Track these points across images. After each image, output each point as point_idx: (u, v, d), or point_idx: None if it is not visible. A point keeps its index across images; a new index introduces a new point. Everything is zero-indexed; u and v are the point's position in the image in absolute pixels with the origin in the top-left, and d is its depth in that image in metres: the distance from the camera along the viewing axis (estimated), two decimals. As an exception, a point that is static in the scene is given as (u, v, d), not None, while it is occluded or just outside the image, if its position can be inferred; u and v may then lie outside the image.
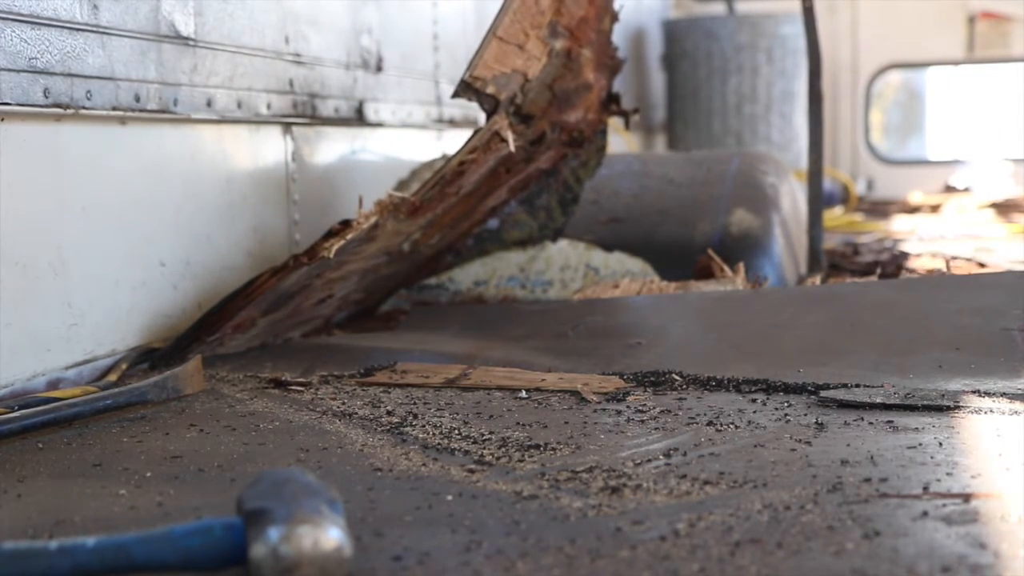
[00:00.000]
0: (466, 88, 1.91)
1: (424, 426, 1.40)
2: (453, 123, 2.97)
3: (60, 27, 1.58)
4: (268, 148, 2.16)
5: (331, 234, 1.79)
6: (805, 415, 1.43)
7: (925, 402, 1.44)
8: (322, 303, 1.99)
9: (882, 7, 5.61)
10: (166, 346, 1.80)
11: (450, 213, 2.03)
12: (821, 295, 2.10)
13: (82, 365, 1.67)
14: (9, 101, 1.48)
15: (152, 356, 1.78)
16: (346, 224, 1.80)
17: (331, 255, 1.76)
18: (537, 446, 1.30)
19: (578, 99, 2.02)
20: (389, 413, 1.48)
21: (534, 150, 2.04)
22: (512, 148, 1.89)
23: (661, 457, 1.24)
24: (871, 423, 1.37)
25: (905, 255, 3.07)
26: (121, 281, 1.76)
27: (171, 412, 1.51)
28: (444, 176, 1.90)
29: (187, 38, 1.86)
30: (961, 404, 1.44)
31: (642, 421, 1.42)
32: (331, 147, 2.41)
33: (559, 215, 2.25)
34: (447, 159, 1.94)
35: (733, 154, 2.84)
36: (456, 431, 1.38)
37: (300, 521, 0.86)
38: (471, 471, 1.21)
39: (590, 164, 2.21)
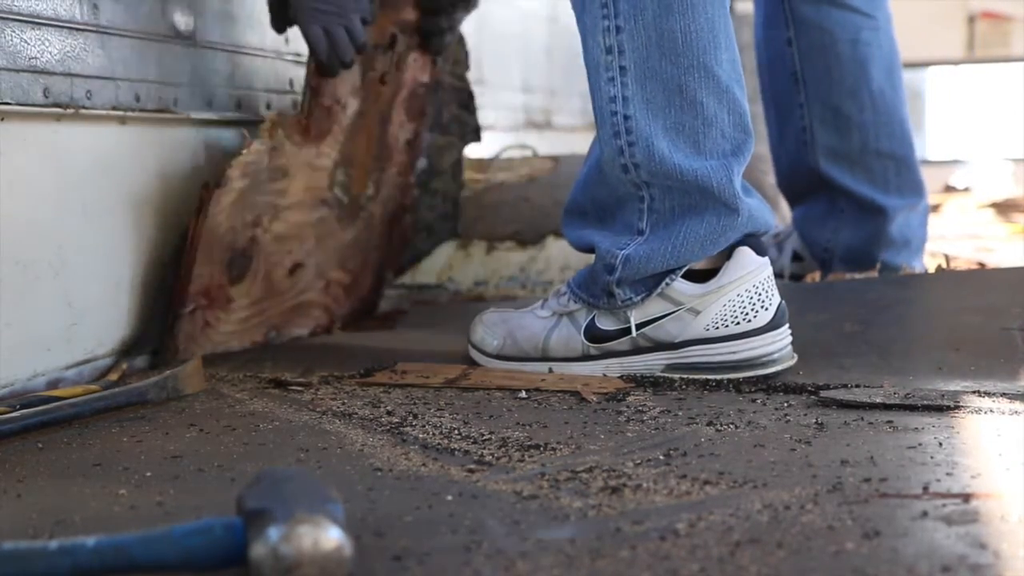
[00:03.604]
0: None
1: (424, 426, 1.40)
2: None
3: (60, 27, 1.58)
4: (268, 148, 2.16)
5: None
6: (805, 415, 1.43)
7: (925, 402, 1.44)
8: (295, 274, 1.99)
9: (882, 7, 5.60)
10: (143, 332, 1.80)
11: (359, 143, 2.02)
12: (820, 293, 2.10)
13: (82, 365, 1.67)
14: (9, 101, 1.49)
15: (137, 348, 1.77)
16: None
17: (233, 170, 1.79)
18: (537, 446, 1.30)
19: None
20: (389, 413, 1.48)
21: (394, 56, 2.04)
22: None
23: (661, 457, 1.25)
24: (871, 423, 1.37)
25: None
26: (121, 281, 1.76)
27: (171, 412, 1.51)
28: (308, 83, 1.91)
29: (187, 38, 1.86)
30: (961, 404, 1.44)
31: (642, 421, 1.42)
32: (331, 147, 2.41)
33: (468, 117, 2.25)
34: (305, 72, 1.94)
35: (733, 154, 2.83)
36: (456, 431, 1.38)
37: (300, 521, 0.86)
38: (471, 471, 1.21)
39: (459, 58, 2.21)
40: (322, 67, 1.89)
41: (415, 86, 2.14)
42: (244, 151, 1.82)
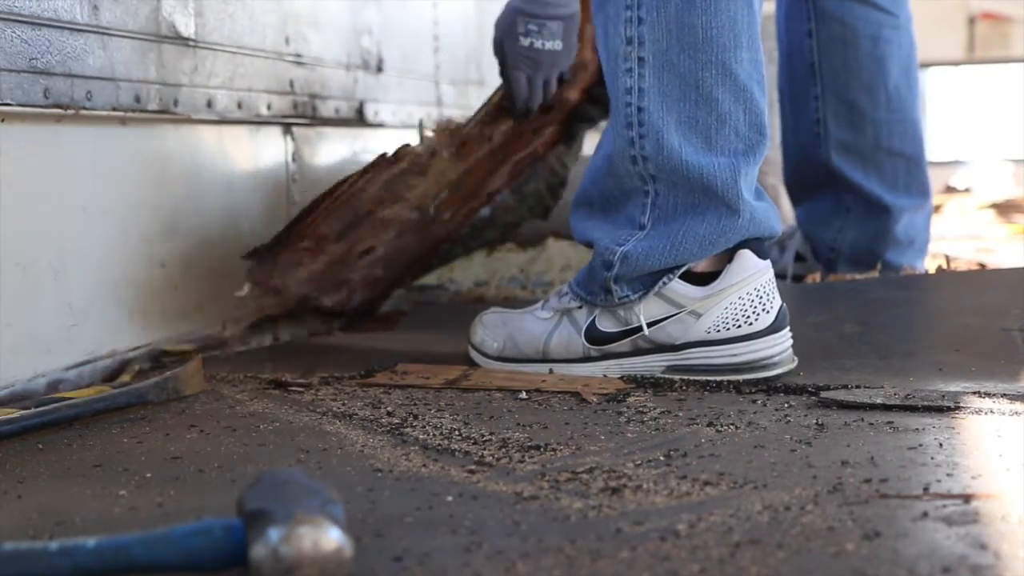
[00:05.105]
0: None
1: (424, 427, 1.40)
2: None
3: (60, 28, 1.58)
4: (268, 149, 2.16)
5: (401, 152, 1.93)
6: (805, 416, 1.43)
7: (925, 403, 1.44)
8: (364, 256, 2.06)
9: (882, 7, 5.60)
10: (261, 247, 1.91)
11: (471, 177, 2.09)
12: (821, 294, 2.10)
13: (82, 366, 1.67)
14: (9, 102, 1.49)
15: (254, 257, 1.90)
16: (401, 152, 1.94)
17: (404, 152, 1.90)
18: (537, 447, 1.30)
19: (575, 78, 2.05)
20: (389, 414, 1.48)
21: (543, 120, 2.09)
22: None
23: (661, 458, 1.25)
24: (871, 424, 1.37)
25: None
26: (121, 282, 1.76)
27: (171, 413, 1.51)
28: (488, 110, 2.00)
29: (187, 39, 1.86)
30: (961, 405, 1.44)
31: (642, 422, 1.42)
32: (331, 148, 2.41)
33: (548, 199, 2.27)
34: (489, 96, 2.02)
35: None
36: (456, 432, 1.38)
37: (300, 522, 0.86)
38: (471, 472, 1.21)
39: (574, 148, 2.22)
40: (511, 108, 1.97)
41: (531, 153, 2.17)
42: (422, 142, 1.94)
